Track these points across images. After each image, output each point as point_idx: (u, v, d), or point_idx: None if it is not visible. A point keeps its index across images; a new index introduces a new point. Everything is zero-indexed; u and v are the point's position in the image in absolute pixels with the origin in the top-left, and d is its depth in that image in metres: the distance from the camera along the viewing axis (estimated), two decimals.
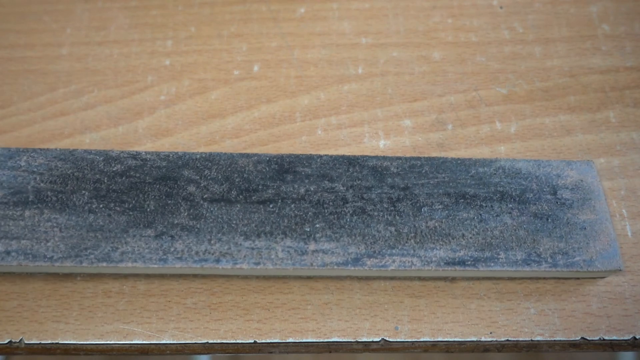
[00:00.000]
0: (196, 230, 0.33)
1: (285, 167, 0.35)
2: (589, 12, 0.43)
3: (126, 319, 0.34)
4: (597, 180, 0.35)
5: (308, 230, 0.33)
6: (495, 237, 0.33)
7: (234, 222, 0.33)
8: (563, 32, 0.43)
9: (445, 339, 0.33)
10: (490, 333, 0.33)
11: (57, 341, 0.34)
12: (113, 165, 0.34)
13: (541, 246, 0.33)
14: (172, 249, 0.32)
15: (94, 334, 0.34)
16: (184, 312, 0.34)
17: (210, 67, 0.42)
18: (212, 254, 0.32)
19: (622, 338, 0.33)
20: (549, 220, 0.34)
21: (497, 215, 0.34)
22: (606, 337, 0.33)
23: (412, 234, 0.33)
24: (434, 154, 0.38)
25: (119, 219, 0.33)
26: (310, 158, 0.35)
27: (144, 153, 0.35)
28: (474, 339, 0.33)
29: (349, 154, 0.39)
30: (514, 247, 0.33)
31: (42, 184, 0.33)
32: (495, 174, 0.35)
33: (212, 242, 0.32)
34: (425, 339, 0.33)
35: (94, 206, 0.33)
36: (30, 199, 0.33)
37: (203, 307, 0.34)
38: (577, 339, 0.33)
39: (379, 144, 0.39)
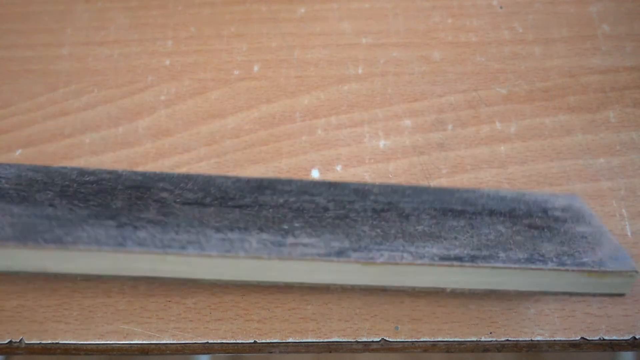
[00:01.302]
0: (163, 223, 0.29)
1: (264, 184, 0.33)
2: (589, 12, 0.43)
3: (126, 319, 0.34)
4: (585, 206, 0.34)
5: (286, 227, 0.30)
6: (491, 240, 0.31)
7: (206, 219, 0.30)
8: (563, 32, 0.43)
9: (445, 339, 0.33)
10: (490, 333, 0.33)
11: (57, 341, 0.34)
12: (86, 176, 0.32)
13: (543, 249, 0.30)
14: (133, 237, 0.28)
15: (94, 334, 0.34)
16: (184, 312, 0.34)
17: (210, 67, 0.42)
18: (178, 242, 0.29)
19: (622, 338, 0.33)
20: (545, 230, 0.32)
21: (489, 225, 0.32)
22: (606, 337, 0.33)
23: (400, 235, 0.30)
24: (434, 154, 0.38)
25: (80, 212, 0.29)
26: (289, 181, 0.33)
27: (120, 170, 0.33)
28: (474, 339, 0.33)
29: (349, 154, 0.39)
30: (513, 248, 0.30)
31: (6, 185, 0.31)
32: (480, 197, 0.34)
33: (180, 233, 0.29)
34: (425, 339, 0.33)
35: (55, 202, 0.30)
36: None
37: (203, 307, 0.34)
38: (577, 339, 0.33)
39: (379, 144, 0.39)
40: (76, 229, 0.29)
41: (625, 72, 0.41)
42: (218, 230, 0.29)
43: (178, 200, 0.31)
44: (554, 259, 0.30)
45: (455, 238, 0.31)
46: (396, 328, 0.34)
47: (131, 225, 0.29)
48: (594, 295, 0.31)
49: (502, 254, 0.30)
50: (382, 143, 0.39)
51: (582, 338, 0.33)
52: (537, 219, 0.32)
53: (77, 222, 0.29)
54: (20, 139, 0.40)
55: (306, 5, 0.45)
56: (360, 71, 0.42)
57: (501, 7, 0.44)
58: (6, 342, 0.34)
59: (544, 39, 0.42)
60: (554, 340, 0.33)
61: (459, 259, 0.30)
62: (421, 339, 0.33)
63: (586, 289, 0.30)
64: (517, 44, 0.42)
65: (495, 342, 0.33)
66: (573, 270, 0.29)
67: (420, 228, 0.31)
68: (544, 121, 0.39)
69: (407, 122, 0.40)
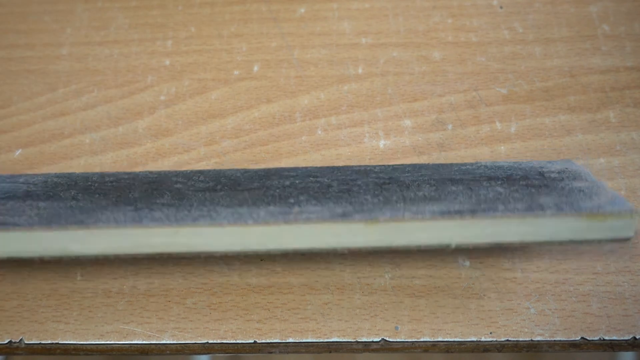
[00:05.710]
0: (177, 204, 0.31)
1: (272, 172, 0.35)
2: (589, 12, 0.43)
3: (126, 319, 0.34)
4: (582, 168, 0.34)
5: (292, 201, 0.31)
6: (490, 198, 0.31)
7: (217, 200, 0.32)
8: (563, 32, 0.43)
9: (445, 339, 0.33)
10: (490, 333, 0.33)
11: (57, 341, 0.34)
12: (106, 178, 0.35)
13: (541, 200, 0.31)
14: (149, 216, 0.31)
15: (94, 334, 0.34)
16: (184, 312, 0.34)
17: (210, 67, 0.42)
18: (191, 217, 0.30)
19: (622, 338, 0.33)
20: (542, 188, 0.32)
21: (487, 187, 0.32)
22: (606, 337, 0.33)
23: (402, 200, 0.31)
24: (434, 154, 0.38)
25: (100, 202, 0.32)
26: (294, 168, 0.35)
27: (138, 172, 0.35)
28: (474, 339, 0.33)
29: (349, 154, 0.39)
30: (512, 201, 0.31)
31: (33, 188, 0.34)
32: (477, 169, 0.35)
33: (192, 210, 0.31)
34: (425, 339, 0.33)
35: (79, 197, 0.32)
36: (18, 196, 0.33)
37: (203, 307, 0.34)
38: (577, 339, 0.33)
39: (379, 144, 0.39)
40: (97, 214, 0.31)
41: (625, 72, 0.41)
42: (228, 206, 0.31)
43: (191, 188, 0.33)
44: (553, 207, 0.30)
45: (455, 198, 0.31)
46: (396, 328, 0.34)
47: (147, 208, 0.31)
48: (600, 242, 0.31)
49: (501, 207, 0.30)
50: (382, 143, 0.39)
51: (582, 338, 0.33)
52: (534, 180, 0.33)
53: (98, 209, 0.31)
54: (20, 139, 0.40)
55: (306, 5, 0.45)
56: (360, 71, 0.42)
57: (501, 7, 0.44)
58: (6, 342, 0.34)
59: (544, 39, 0.42)
60: (554, 340, 0.33)
61: (459, 212, 0.30)
62: (421, 339, 0.33)
63: (589, 235, 0.30)
64: (517, 44, 0.42)
65: (495, 342, 0.33)
66: (572, 215, 0.30)
67: (420, 194, 0.32)
68: (544, 121, 0.39)
69: (407, 122, 0.40)
